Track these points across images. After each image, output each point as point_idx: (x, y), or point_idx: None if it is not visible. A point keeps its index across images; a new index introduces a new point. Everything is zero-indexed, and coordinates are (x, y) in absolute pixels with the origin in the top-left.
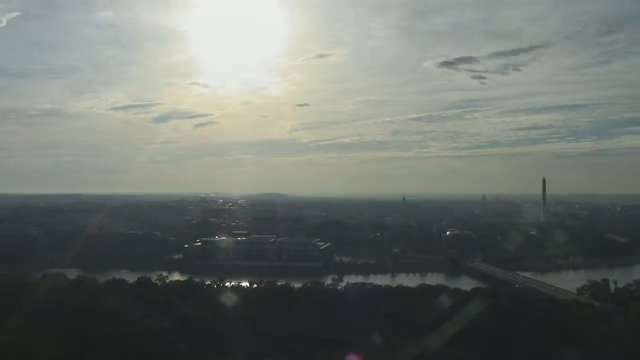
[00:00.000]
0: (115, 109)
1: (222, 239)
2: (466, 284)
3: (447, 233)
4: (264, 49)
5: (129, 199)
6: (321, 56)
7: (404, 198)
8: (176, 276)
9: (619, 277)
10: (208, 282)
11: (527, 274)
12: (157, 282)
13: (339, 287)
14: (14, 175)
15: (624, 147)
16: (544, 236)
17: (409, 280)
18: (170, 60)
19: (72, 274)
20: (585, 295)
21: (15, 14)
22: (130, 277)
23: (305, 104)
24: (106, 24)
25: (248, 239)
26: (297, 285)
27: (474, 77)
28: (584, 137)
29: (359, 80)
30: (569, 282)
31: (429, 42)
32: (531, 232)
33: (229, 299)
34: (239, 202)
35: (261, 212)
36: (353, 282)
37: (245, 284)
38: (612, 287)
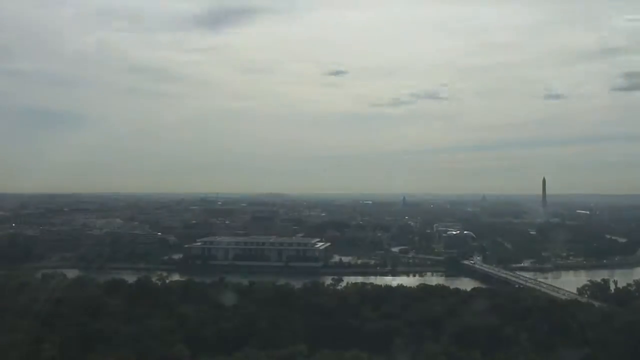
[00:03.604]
0: None
1: (222, 239)
2: (466, 284)
3: (447, 233)
4: None
5: (129, 199)
6: None
7: (404, 198)
8: (176, 276)
9: (619, 277)
10: (208, 282)
11: (527, 274)
12: (157, 282)
13: (338, 287)
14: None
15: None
16: (544, 236)
17: (409, 281)
18: None
19: (72, 274)
20: (585, 295)
21: None
22: (130, 277)
23: None
24: None
25: (248, 239)
26: (297, 285)
27: None
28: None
29: None
30: (569, 282)
31: None
32: (531, 232)
33: (229, 299)
34: (238, 202)
35: (261, 212)
36: (353, 282)
37: (245, 283)
38: (612, 287)
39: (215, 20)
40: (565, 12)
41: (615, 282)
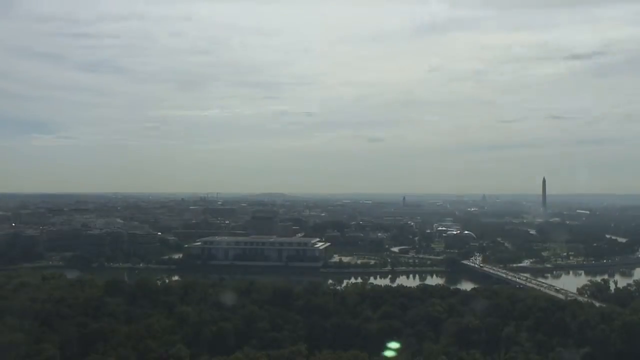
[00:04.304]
0: None
1: (222, 239)
2: (466, 284)
3: (447, 233)
4: None
5: (129, 199)
6: None
7: (404, 198)
8: (176, 276)
9: (619, 277)
10: (208, 282)
11: (527, 274)
12: (157, 282)
13: (338, 287)
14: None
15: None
16: (544, 236)
17: (409, 280)
18: None
19: (72, 274)
20: (585, 295)
21: None
22: (130, 277)
23: None
24: None
25: (248, 239)
26: (297, 285)
27: None
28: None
29: None
30: (569, 282)
31: None
32: (531, 232)
33: (229, 299)
34: (238, 202)
35: (261, 212)
36: (353, 282)
37: (245, 284)
38: (612, 287)
39: None
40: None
41: (615, 282)
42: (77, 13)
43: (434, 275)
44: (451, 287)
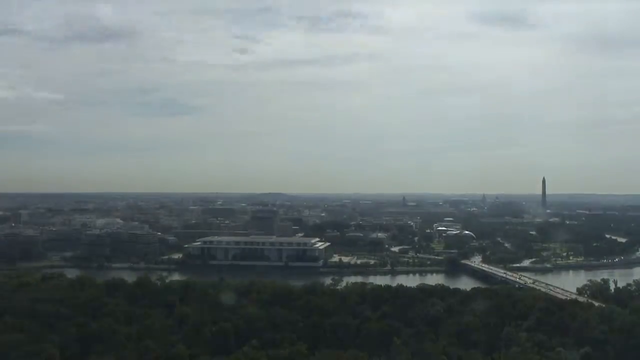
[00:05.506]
0: None
1: (222, 239)
2: (466, 284)
3: (447, 233)
4: None
5: (129, 199)
6: None
7: (404, 198)
8: (176, 276)
9: (619, 277)
10: (208, 282)
11: (527, 274)
12: (157, 282)
13: (338, 287)
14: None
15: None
16: (543, 236)
17: (409, 280)
18: None
19: (72, 274)
20: (585, 295)
21: None
22: (130, 277)
23: None
24: None
25: (248, 239)
26: (297, 285)
27: None
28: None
29: None
30: (569, 282)
31: None
32: (531, 232)
33: (229, 299)
34: (238, 202)
35: (261, 212)
36: (353, 282)
37: (245, 283)
38: (612, 287)
39: None
40: None
41: (615, 282)
42: None
43: (434, 275)
44: (451, 287)
